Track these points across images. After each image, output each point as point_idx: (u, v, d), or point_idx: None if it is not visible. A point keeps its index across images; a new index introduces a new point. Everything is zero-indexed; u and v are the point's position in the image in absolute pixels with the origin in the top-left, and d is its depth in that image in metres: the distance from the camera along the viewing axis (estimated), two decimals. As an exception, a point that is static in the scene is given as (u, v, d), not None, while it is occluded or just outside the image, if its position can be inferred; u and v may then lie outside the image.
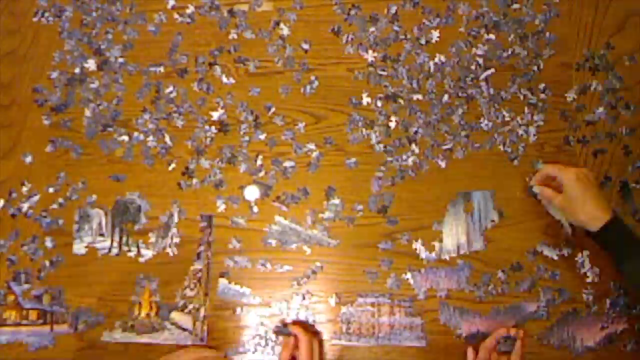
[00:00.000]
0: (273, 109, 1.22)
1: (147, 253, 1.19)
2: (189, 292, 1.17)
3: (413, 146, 1.17)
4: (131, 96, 1.26)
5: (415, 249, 1.13)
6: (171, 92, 1.25)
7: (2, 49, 1.32)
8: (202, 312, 1.16)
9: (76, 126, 1.27)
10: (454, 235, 1.14)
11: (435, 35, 1.20)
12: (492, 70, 1.18)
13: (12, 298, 1.20)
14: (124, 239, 1.20)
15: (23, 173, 1.26)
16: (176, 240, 1.19)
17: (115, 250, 1.20)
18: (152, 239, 1.20)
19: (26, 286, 1.20)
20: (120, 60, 1.28)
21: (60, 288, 1.20)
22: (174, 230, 1.19)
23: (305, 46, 1.24)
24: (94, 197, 1.22)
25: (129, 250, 1.20)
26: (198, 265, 1.18)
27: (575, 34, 1.18)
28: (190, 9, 1.29)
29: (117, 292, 1.18)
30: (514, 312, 1.08)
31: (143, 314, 1.18)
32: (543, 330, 1.06)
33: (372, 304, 1.12)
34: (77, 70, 1.29)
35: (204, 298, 1.17)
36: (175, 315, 1.17)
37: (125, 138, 1.25)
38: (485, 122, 1.17)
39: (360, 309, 1.12)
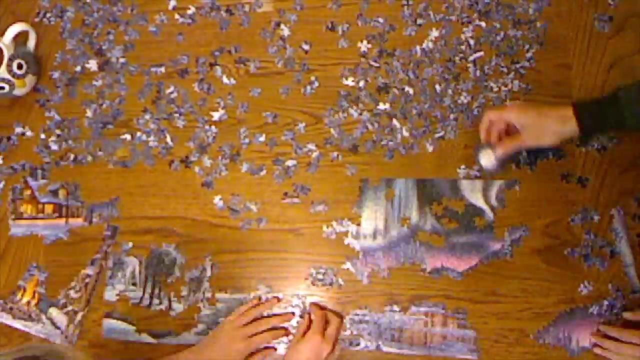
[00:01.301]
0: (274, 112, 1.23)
1: (179, 307, 1.16)
2: (72, 294, 1.17)
3: (394, 121, 1.16)
4: (132, 96, 1.27)
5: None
6: (172, 93, 1.26)
7: (3, 49, 1.33)
8: (79, 317, 1.16)
9: (76, 126, 1.28)
10: (372, 220, 1.14)
11: (433, 33, 1.20)
12: (482, 52, 1.18)
13: (28, 192, 1.24)
14: (156, 290, 1.18)
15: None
16: (208, 295, 1.16)
17: (146, 302, 1.18)
18: (184, 292, 1.17)
19: (42, 181, 1.23)
20: (122, 60, 1.29)
21: (75, 184, 1.23)
22: (206, 284, 1.17)
23: (306, 47, 1.24)
24: (130, 244, 1.21)
25: (160, 303, 1.17)
26: (89, 271, 1.18)
27: (574, 35, 1.18)
28: (191, 10, 1.29)
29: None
30: (477, 248, 1.09)
31: (24, 300, 1.18)
32: (539, 329, 1.07)
33: (426, 314, 1.09)
34: (77, 69, 1.30)
35: (85, 304, 1.17)
36: (53, 311, 1.17)
37: (127, 137, 1.26)
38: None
39: (413, 318, 1.09)
